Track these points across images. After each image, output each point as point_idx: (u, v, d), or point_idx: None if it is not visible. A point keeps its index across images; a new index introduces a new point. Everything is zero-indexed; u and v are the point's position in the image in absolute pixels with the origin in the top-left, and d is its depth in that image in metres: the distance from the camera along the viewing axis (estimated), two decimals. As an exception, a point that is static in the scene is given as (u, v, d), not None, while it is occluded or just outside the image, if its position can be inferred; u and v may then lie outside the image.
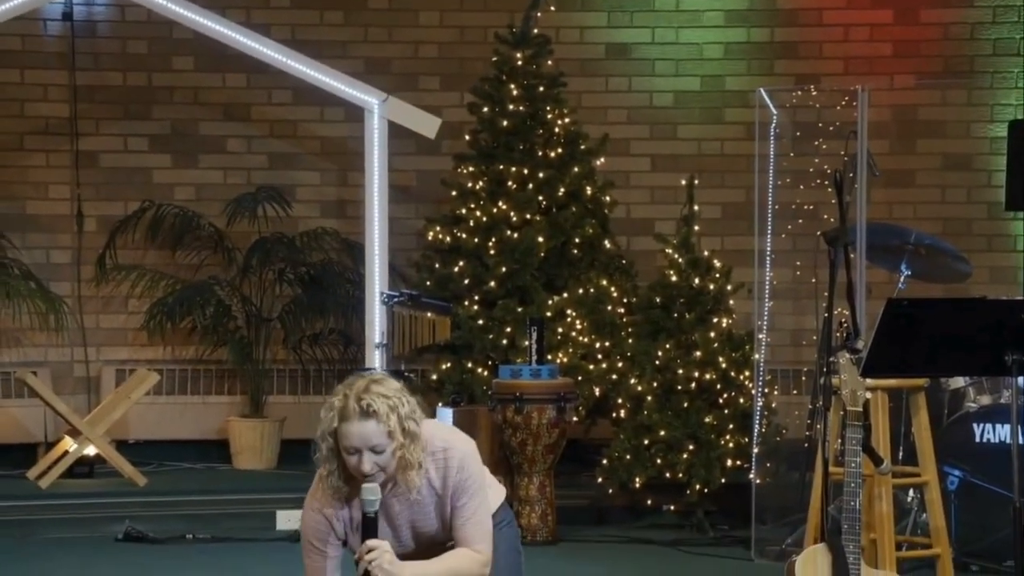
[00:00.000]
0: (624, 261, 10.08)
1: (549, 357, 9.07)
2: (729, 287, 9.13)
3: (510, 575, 4.61)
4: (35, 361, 10.65)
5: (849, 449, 5.52)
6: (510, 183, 9.82)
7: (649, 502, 9.03)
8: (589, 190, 9.91)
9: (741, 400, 8.88)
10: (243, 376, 10.76)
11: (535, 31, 10.06)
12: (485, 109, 9.98)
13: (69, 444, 9.81)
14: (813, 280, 8.72)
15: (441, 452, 4.45)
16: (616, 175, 10.33)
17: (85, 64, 10.83)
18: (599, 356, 9.46)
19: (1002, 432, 7.59)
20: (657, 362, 8.95)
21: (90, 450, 9.81)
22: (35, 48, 10.82)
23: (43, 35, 10.83)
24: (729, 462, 8.80)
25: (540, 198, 9.80)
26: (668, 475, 8.84)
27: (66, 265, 10.85)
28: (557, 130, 9.94)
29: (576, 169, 9.89)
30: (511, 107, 9.89)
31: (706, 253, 9.17)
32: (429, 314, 8.76)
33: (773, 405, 8.99)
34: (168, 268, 10.76)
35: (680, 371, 8.87)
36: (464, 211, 9.87)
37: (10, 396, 10.52)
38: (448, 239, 9.90)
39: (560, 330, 9.48)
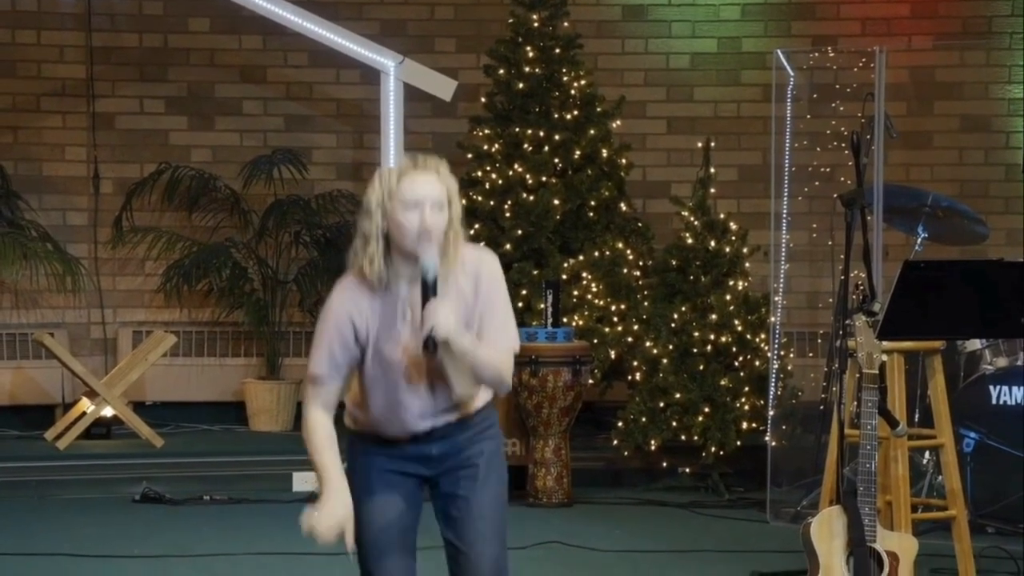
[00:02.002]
0: (640, 224, 10.07)
1: (565, 320, 9.07)
2: (745, 250, 9.13)
3: (499, 487, 4.44)
4: (52, 323, 10.68)
5: (865, 411, 5.52)
6: (526, 146, 9.81)
7: (664, 464, 9.05)
8: (605, 152, 9.90)
9: (757, 363, 8.89)
10: (259, 338, 10.79)
11: (551, -8, 10.04)
12: (501, 71, 9.97)
13: (86, 405, 9.85)
14: (829, 243, 8.71)
15: (472, 264, 4.32)
16: (632, 137, 10.31)
17: (101, 25, 10.83)
18: (615, 319, 9.47)
19: (1018, 394, 7.59)
20: (673, 325, 8.96)
21: (107, 411, 9.84)
22: (51, 9, 10.82)
23: (59, -3, 10.85)
24: (745, 424, 8.81)
25: (556, 160, 9.80)
26: (683, 437, 8.86)
27: (83, 227, 10.87)
28: (573, 92, 9.92)
29: (592, 131, 9.87)
30: (527, 69, 9.88)
31: (722, 216, 9.16)
32: (445, 276, 8.74)
33: (789, 368, 9.00)
34: (184, 230, 10.77)
35: (696, 334, 8.88)
36: (480, 174, 9.86)
37: (28, 357, 10.57)
38: (464, 201, 9.84)
39: (576, 293, 9.49)
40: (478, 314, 4.26)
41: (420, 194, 4.22)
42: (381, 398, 4.29)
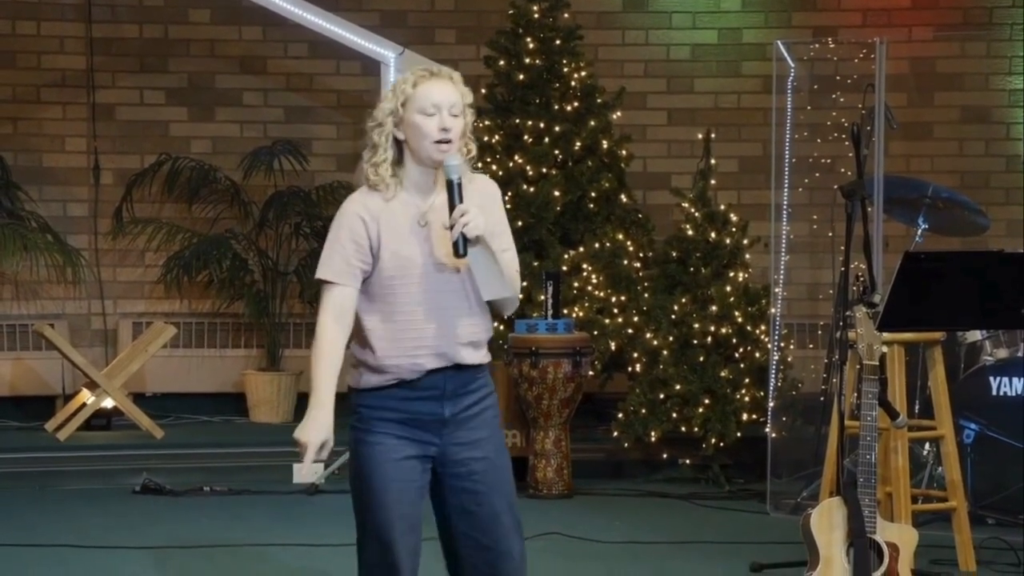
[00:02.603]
0: (640, 215, 10.06)
1: (565, 311, 9.07)
2: (745, 241, 9.13)
3: (503, 453, 4.41)
4: (52, 314, 10.69)
5: (865, 403, 5.53)
6: (526, 137, 9.80)
7: (665, 456, 9.05)
8: (605, 144, 9.89)
9: (757, 354, 8.89)
10: (260, 330, 10.79)
11: (552, -17, 10.03)
12: (501, 62, 9.95)
13: (87, 396, 9.85)
14: (830, 234, 8.71)
15: (481, 184, 4.38)
16: (633, 129, 10.30)
17: (102, 16, 10.82)
18: (615, 310, 9.46)
19: (1019, 385, 7.58)
20: (673, 316, 8.95)
21: (108, 403, 9.84)
22: (52, 0, 10.81)
23: (59, -13, 10.84)
24: (745, 416, 8.81)
25: (556, 152, 9.78)
26: (684, 429, 8.86)
27: (83, 218, 10.87)
28: (573, 84, 9.91)
29: (592, 123, 9.86)
30: (527, 60, 9.86)
31: (723, 207, 9.16)
32: (445, 267, 8.75)
33: (789, 359, 8.99)
34: (184, 221, 10.77)
35: (696, 325, 8.87)
36: (480, 165, 9.84)
37: (28, 348, 10.57)
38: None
39: (576, 284, 9.48)
40: (489, 233, 4.25)
41: (437, 99, 4.22)
42: (398, 313, 4.22)
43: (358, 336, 4.29)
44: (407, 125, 4.23)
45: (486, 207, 4.29)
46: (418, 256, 4.22)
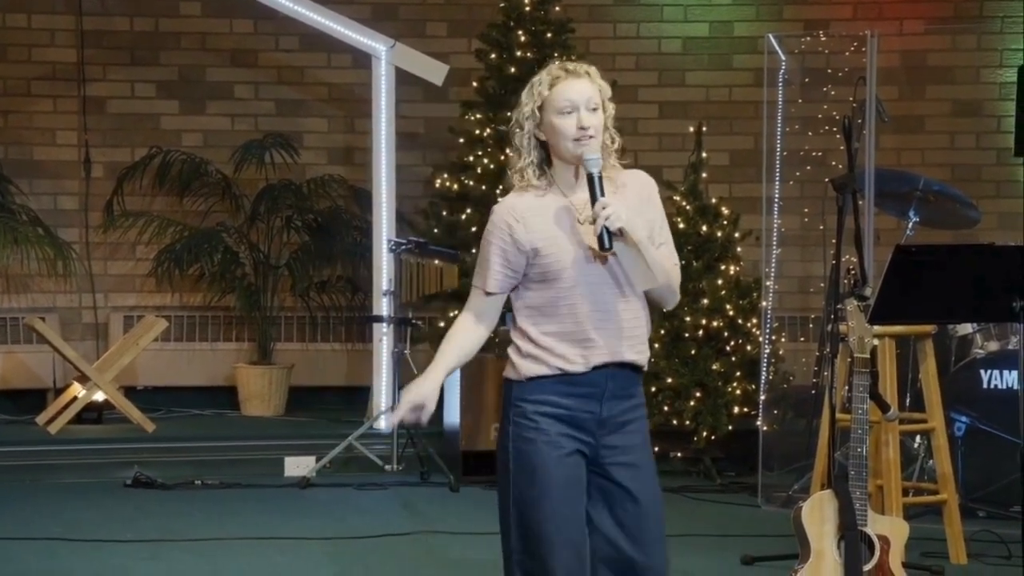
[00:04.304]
0: (632, 208, 10.04)
1: (556, 304, 9.05)
2: (737, 234, 9.13)
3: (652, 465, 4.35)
4: (43, 307, 10.67)
5: (856, 396, 5.53)
6: (518, 130, 9.78)
7: (656, 449, 8.98)
8: (597, 137, 9.87)
9: (748, 347, 8.89)
10: (251, 323, 10.78)
11: (543, -23, 10.02)
12: (493, 56, 9.95)
13: (78, 390, 9.84)
14: (821, 227, 8.71)
15: (640, 182, 4.40)
16: (624, 122, 10.15)
17: (92, 9, 10.80)
18: (607, 303, 9.44)
19: (1009, 378, 7.59)
20: (664, 309, 8.94)
21: (99, 396, 9.83)
22: (42, -7, 10.81)
23: (49, -20, 10.82)
24: (736, 409, 8.82)
25: (548, 145, 9.77)
26: (675, 422, 8.86)
27: (74, 211, 10.85)
28: (565, 76, 9.89)
29: (584, 116, 9.84)
30: (519, 54, 9.86)
31: (714, 200, 9.16)
32: (436, 262, 8.77)
33: (780, 352, 9.00)
34: (176, 215, 10.76)
35: (688, 318, 8.88)
36: (471, 158, 9.85)
37: (19, 342, 10.56)
38: (455, 186, 9.89)
39: (568, 277, 9.47)
40: (648, 226, 4.28)
41: (574, 98, 4.22)
42: (562, 306, 4.19)
43: (522, 326, 4.24)
44: (547, 127, 4.24)
45: (644, 201, 4.34)
46: (571, 249, 4.21)
